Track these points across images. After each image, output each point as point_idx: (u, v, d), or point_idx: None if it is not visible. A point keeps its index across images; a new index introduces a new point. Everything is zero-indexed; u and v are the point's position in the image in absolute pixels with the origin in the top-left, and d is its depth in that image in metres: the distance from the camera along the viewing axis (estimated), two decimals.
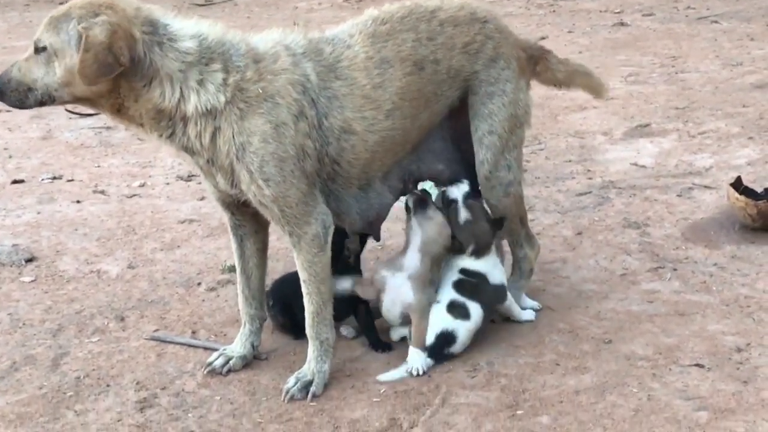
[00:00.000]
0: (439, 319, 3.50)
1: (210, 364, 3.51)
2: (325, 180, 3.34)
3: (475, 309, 3.54)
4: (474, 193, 3.66)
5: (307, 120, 3.23)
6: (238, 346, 3.55)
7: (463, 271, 3.59)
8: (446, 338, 3.48)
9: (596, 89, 4.05)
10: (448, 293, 3.55)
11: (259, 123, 3.16)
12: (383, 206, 3.59)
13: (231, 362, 3.49)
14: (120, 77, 3.06)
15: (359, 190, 3.46)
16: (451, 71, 3.53)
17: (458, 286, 3.57)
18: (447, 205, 3.62)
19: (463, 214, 3.60)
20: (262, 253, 3.58)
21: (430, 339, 3.47)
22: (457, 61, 3.54)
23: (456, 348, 3.50)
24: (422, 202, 3.55)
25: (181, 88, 3.11)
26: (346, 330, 3.70)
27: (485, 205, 3.67)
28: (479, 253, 3.61)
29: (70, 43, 3.05)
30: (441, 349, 3.47)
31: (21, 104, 3.18)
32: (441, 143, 3.68)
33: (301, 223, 3.26)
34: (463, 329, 3.50)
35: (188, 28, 3.18)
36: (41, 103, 3.17)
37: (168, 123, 3.16)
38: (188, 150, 3.21)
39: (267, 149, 3.16)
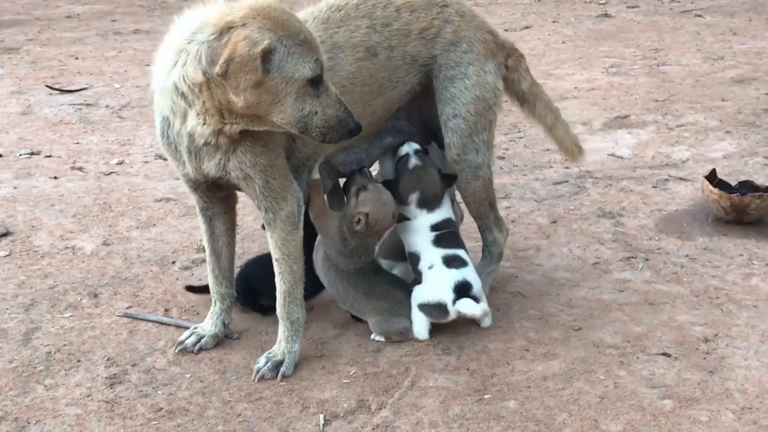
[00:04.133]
0: (445, 277, 3.50)
1: (181, 342, 3.51)
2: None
3: (464, 254, 3.59)
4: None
5: None
6: (209, 324, 3.56)
7: (433, 227, 3.61)
8: (462, 287, 3.47)
9: (566, 147, 3.98)
10: (434, 253, 3.56)
11: None
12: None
13: (202, 341, 3.51)
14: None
15: (308, 172, 3.48)
16: (406, 57, 3.54)
17: (438, 241, 3.58)
18: (398, 161, 3.66)
19: (413, 161, 3.65)
20: (230, 232, 3.58)
21: (449, 296, 3.46)
22: (414, 47, 3.54)
23: (476, 291, 3.50)
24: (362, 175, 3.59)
25: None
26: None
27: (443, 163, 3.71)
28: (428, 204, 3.62)
29: None
30: (466, 296, 3.46)
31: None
32: (393, 122, 3.72)
33: (279, 198, 3.27)
34: (470, 273, 3.53)
35: None
36: None
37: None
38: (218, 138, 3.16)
39: None
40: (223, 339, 3.57)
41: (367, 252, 3.55)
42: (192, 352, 3.49)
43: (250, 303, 3.77)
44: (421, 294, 3.53)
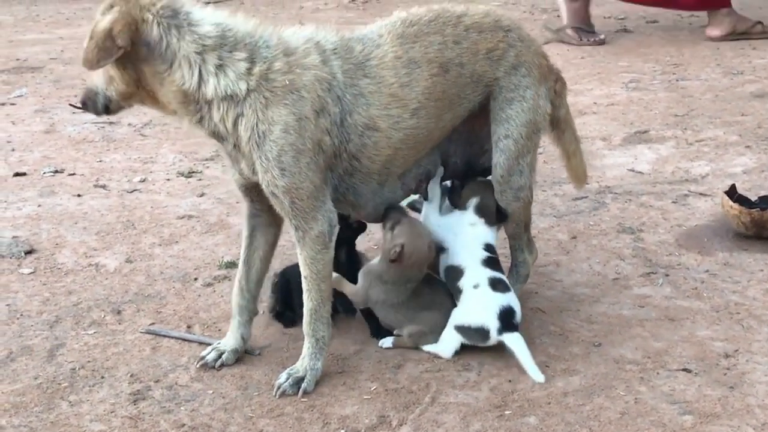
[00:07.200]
0: (491, 300, 3.49)
1: (203, 358, 3.55)
2: (341, 175, 3.41)
3: (506, 279, 3.63)
4: None
5: (329, 117, 3.30)
6: (230, 339, 3.59)
7: (487, 246, 3.63)
8: (507, 313, 3.47)
9: (577, 174, 4.09)
10: (482, 272, 3.56)
11: (283, 113, 3.21)
12: (395, 201, 3.68)
13: (223, 356, 3.54)
14: (141, 64, 3.18)
15: (378, 185, 3.52)
16: (474, 75, 3.58)
17: (488, 263, 3.59)
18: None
19: (480, 178, 3.72)
20: (270, 247, 3.64)
21: (493, 322, 3.45)
22: (481, 66, 3.58)
23: (518, 317, 3.51)
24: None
25: (199, 71, 3.19)
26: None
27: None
28: (485, 214, 3.66)
29: None
30: (510, 324, 3.46)
31: (96, 111, 3.42)
32: (459, 144, 3.77)
33: (308, 218, 3.31)
34: (514, 299, 3.54)
35: (211, 17, 3.28)
36: (107, 108, 3.38)
37: (195, 107, 3.24)
38: (217, 135, 3.30)
39: (287, 140, 3.22)
40: (244, 354, 3.60)
41: (411, 281, 3.59)
42: (213, 368, 3.52)
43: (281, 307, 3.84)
44: (461, 316, 3.52)
